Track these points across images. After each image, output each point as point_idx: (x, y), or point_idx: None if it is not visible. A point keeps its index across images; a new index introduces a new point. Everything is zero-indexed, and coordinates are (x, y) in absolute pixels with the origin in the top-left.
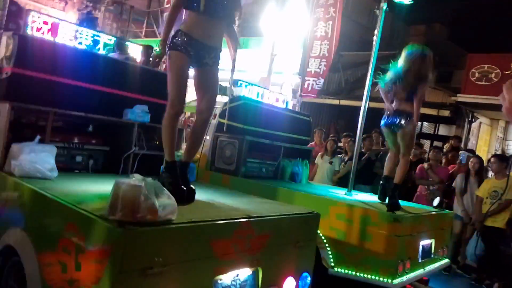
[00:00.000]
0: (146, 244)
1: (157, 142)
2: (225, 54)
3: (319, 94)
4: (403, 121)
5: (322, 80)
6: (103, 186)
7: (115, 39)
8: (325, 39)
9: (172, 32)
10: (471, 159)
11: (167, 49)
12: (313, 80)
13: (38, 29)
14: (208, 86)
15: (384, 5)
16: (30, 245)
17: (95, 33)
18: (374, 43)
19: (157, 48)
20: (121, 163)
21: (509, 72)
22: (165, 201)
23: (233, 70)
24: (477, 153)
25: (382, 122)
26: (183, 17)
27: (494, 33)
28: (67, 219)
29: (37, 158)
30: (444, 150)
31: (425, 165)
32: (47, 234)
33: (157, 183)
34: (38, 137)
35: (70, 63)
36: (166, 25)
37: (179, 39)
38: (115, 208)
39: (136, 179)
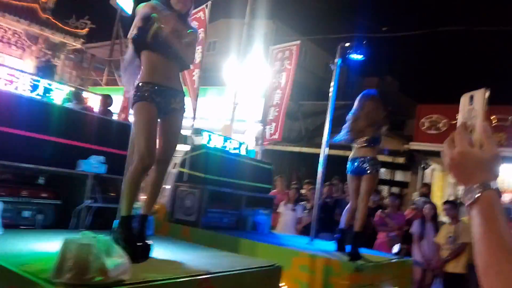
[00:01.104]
0: None
1: (114, 194)
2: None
3: (275, 141)
4: (370, 165)
5: (274, 126)
6: (51, 245)
7: (70, 89)
8: (278, 89)
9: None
10: (425, 206)
11: (132, 101)
12: (269, 128)
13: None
14: (171, 134)
15: (338, 61)
16: None
17: (50, 82)
18: (330, 94)
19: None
20: (72, 217)
21: (455, 121)
22: (117, 260)
23: (194, 118)
24: (431, 198)
25: (349, 167)
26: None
27: (441, 85)
28: (9, 283)
29: None
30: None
31: (381, 212)
32: None
33: (108, 240)
34: None
35: (22, 113)
36: (123, 69)
37: (143, 89)
38: (62, 270)
39: (86, 236)
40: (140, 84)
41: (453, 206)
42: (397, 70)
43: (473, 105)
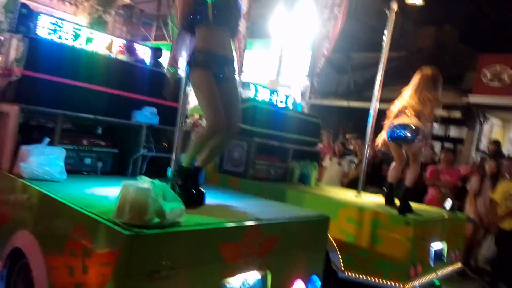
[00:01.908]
0: (154, 248)
1: (166, 145)
2: None
3: (322, 95)
4: (409, 134)
5: (320, 80)
6: (111, 189)
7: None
8: (326, 38)
9: (184, 55)
10: (488, 162)
11: (186, 70)
12: (316, 81)
13: (48, 32)
14: (232, 101)
15: (394, 5)
16: (38, 248)
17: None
18: (384, 44)
19: (168, 69)
20: (130, 165)
21: None
22: (173, 204)
23: (240, 72)
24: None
25: (388, 134)
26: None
27: (505, 33)
28: (75, 222)
29: (46, 160)
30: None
31: (433, 167)
32: (55, 237)
33: (165, 185)
34: (47, 140)
35: (80, 66)
36: (176, 49)
37: (200, 57)
38: (123, 211)
39: (144, 181)
40: (195, 51)
41: None
42: (458, 18)
43: None
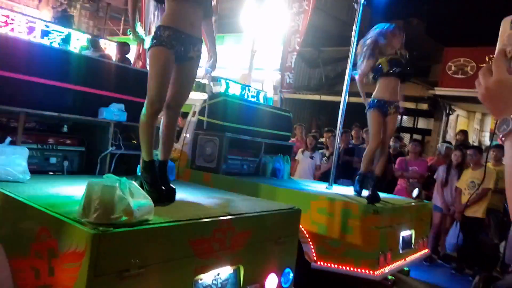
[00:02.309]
0: (122, 246)
1: (135, 141)
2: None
3: (294, 89)
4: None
5: (292, 74)
6: (77, 188)
7: (88, 37)
8: (296, 33)
9: (152, 29)
10: (454, 152)
11: (149, 44)
12: (287, 75)
13: (5, 25)
14: (186, 82)
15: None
16: (2, 251)
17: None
18: (352, 38)
19: (130, 36)
20: (98, 164)
21: (484, 65)
22: (141, 201)
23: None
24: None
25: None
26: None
27: (469, 27)
28: (39, 223)
29: (8, 160)
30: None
31: (401, 158)
32: (19, 239)
33: (132, 183)
34: (8, 139)
35: (43, 62)
36: (131, 10)
37: (163, 33)
38: (88, 210)
39: (110, 179)
40: (161, 27)
41: (478, 151)
42: (424, 12)
43: None
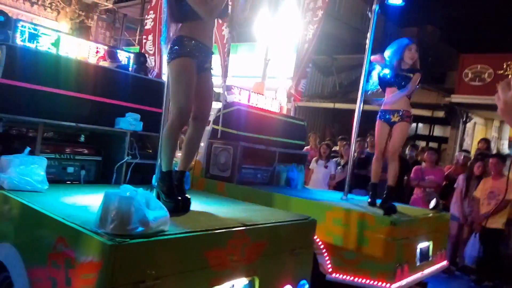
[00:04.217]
0: (138, 257)
1: (150, 151)
2: (215, 59)
3: (308, 97)
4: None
5: (304, 82)
6: (95, 198)
7: (105, 49)
8: (312, 41)
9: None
10: (476, 164)
11: (169, 56)
12: (296, 84)
13: (27, 39)
14: (206, 92)
15: (376, 7)
16: (20, 260)
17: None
18: (367, 46)
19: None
20: (114, 173)
21: (501, 72)
22: (157, 212)
23: (225, 75)
24: (472, 153)
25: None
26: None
27: (486, 34)
28: (57, 233)
29: (27, 170)
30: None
31: (417, 167)
32: (37, 249)
33: (148, 193)
34: (28, 149)
35: (60, 73)
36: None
37: (186, 44)
38: (106, 221)
39: (126, 190)
40: (182, 37)
41: (501, 160)
42: (439, 19)
43: None
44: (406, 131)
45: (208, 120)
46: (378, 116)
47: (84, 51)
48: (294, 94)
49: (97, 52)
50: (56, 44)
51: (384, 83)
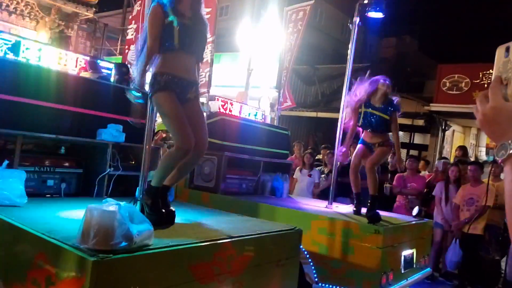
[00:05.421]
0: (121, 273)
1: (133, 162)
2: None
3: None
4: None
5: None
6: (75, 212)
7: (86, 59)
8: (289, 51)
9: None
10: (451, 168)
11: (149, 93)
12: (281, 94)
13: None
14: (198, 121)
15: (357, 19)
16: None
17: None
18: (348, 56)
19: (134, 97)
20: (96, 185)
21: (478, 81)
22: (141, 226)
23: (209, 85)
24: (451, 160)
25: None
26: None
27: (462, 44)
28: (37, 249)
29: (5, 184)
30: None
31: (399, 175)
32: (16, 266)
33: (132, 206)
34: (6, 162)
35: (40, 84)
36: (141, 72)
37: (163, 79)
38: (88, 236)
39: (109, 203)
40: (157, 73)
41: (479, 167)
42: (416, 29)
43: (509, 57)
44: (387, 153)
45: (206, 146)
46: (360, 142)
47: (64, 61)
48: (279, 107)
49: (77, 63)
50: (35, 54)
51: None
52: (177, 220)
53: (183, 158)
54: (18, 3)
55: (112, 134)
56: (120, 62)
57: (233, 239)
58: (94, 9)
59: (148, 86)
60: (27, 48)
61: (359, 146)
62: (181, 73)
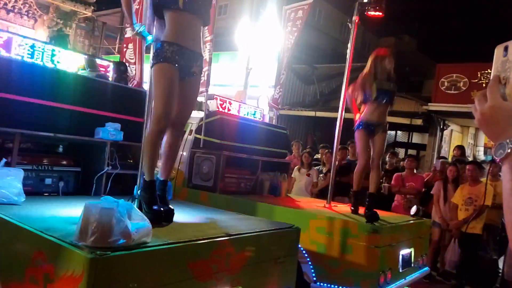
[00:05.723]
0: (119, 270)
1: (131, 161)
2: None
3: (289, 105)
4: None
5: (278, 89)
6: (73, 210)
7: (84, 57)
8: (289, 50)
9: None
10: (449, 167)
11: (151, 62)
12: (277, 92)
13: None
14: (189, 99)
15: (356, 19)
16: None
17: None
18: (347, 55)
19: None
20: (94, 184)
21: (476, 80)
22: (139, 223)
23: (208, 84)
24: (450, 159)
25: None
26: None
27: (461, 44)
28: (35, 247)
29: (3, 182)
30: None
31: (398, 175)
32: (14, 264)
33: (130, 204)
34: (3, 160)
35: (38, 82)
36: (128, 10)
37: (167, 50)
38: (86, 233)
39: (107, 201)
40: (163, 43)
41: (478, 167)
42: (415, 29)
43: (507, 57)
44: (385, 141)
45: (184, 126)
46: (359, 126)
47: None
48: (270, 102)
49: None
50: (33, 53)
51: (366, 98)
52: (176, 218)
53: (158, 137)
54: (16, 1)
55: (110, 132)
56: (118, 60)
57: (231, 237)
58: (92, 7)
59: (151, 55)
60: (31, 47)
61: (360, 134)
62: (189, 44)
